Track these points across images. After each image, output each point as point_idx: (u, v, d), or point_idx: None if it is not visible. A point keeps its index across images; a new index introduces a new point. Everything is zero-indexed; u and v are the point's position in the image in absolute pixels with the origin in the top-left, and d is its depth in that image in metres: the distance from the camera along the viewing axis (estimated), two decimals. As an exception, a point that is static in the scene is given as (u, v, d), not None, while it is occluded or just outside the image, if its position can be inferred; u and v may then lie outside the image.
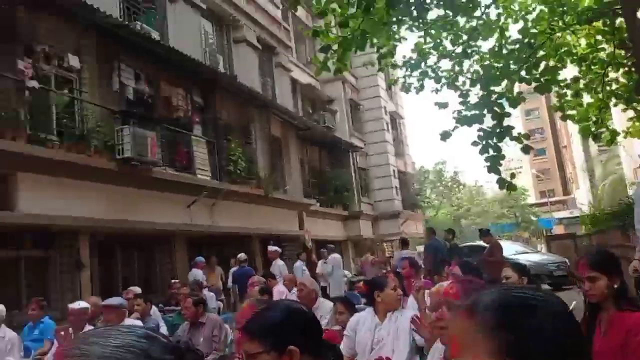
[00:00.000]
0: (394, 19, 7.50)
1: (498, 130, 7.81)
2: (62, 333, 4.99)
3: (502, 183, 7.63)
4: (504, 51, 8.30)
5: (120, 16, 11.17)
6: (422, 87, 9.27)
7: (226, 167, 13.01)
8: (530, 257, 14.50)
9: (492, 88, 7.96)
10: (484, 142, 7.81)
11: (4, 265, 8.16)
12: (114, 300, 5.29)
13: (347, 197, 21.47)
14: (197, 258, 10.97)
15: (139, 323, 5.37)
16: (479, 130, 7.88)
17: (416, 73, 9.10)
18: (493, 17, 8.52)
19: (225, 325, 5.36)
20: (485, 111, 7.90)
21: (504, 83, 8.24)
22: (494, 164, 7.76)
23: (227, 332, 5.31)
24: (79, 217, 8.75)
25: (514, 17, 8.67)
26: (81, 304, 5.25)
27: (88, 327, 5.35)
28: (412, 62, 8.95)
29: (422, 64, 9.02)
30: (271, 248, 11.66)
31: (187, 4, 13.53)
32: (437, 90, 9.39)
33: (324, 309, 5.26)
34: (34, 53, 8.71)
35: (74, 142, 8.94)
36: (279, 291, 7.42)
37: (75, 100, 9.45)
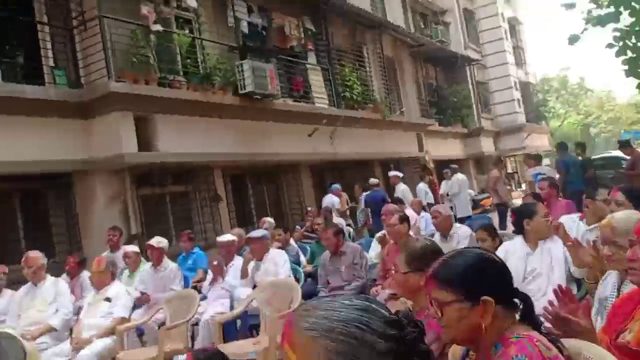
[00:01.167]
0: None
1: (637, 29, 6.99)
2: (216, 263, 5.37)
3: (643, 87, 6.92)
4: None
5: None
6: (545, -14, 8.43)
7: (342, 94, 12.95)
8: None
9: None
10: (620, 44, 7.07)
11: (153, 202, 8.86)
12: (258, 232, 5.56)
13: (466, 113, 20.67)
14: (333, 186, 11.26)
15: (282, 252, 5.64)
16: (615, 30, 7.11)
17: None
18: None
19: (364, 253, 5.47)
20: (621, 8, 7.07)
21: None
22: (633, 66, 7.04)
23: (367, 259, 5.43)
24: (211, 153, 9.20)
25: None
26: (228, 237, 5.60)
27: (236, 257, 5.72)
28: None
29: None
30: (392, 173, 11.63)
31: None
32: (561, -10, 8.55)
33: (461, 234, 5.18)
34: (154, -3, 8.99)
35: (199, 81, 9.27)
36: (410, 216, 7.40)
37: (196, 39, 9.70)
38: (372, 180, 11.13)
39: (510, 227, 7.40)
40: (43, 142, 7.37)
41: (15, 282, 6.03)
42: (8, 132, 7.02)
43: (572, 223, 4.35)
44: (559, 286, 1.93)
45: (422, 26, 21.08)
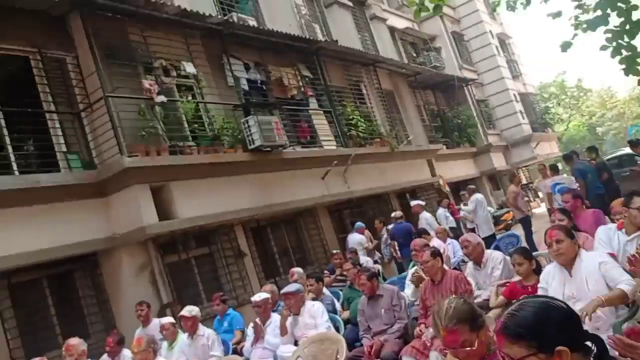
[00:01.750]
0: None
1: (627, 27, 7.05)
2: (254, 324, 5.34)
3: (644, 83, 6.95)
4: None
5: (217, 13, 11.47)
6: (528, 2, 8.62)
7: (348, 132, 13.07)
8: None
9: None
10: (614, 44, 7.11)
11: (180, 268, 8.88)
12: (292, 287, 5.55)
13: (472, 133, 20.77)
14: (357, 224, 11.25)
15: (319, 304, 5.60)
16: (606, 32, 7.16)
17: (520, -13, 8.50)
18: None
19: (401, 293, 5.42)
20: (608, 10, 7.15)
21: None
22: (631, 64, 7.05)
23: (405, 299, 5.37)
24: (229, 211, 9.25)
25: None
26: (262, 295, 5.57)
27: (273, 314, 5.68)
28: (513, -24, 8.35)
29: (525, -25, 8.39)
30: (414, 202, 11.63)
31: (273, -18, 13.56)
32: (545, 0, 8.71)
33: (494, 260, 5.14)
34: (153, 70, 9.22)
35: (208, 143, 9.41)
36: (437, 245, 7.35)
37: (199, 104, 9.89)
38: (396, 214, 11.18)
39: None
40: (65, 226, 7.47)
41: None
42: (30, 222, 7.12)
43: (612, 234, 4.25)
44: (609, 337, 1.89)
45: (415, 55, 21.39)
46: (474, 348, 2.17)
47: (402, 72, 17.56)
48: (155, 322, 6.70)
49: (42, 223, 7.24)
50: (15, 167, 7.61)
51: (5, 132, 7.65)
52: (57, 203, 7.51)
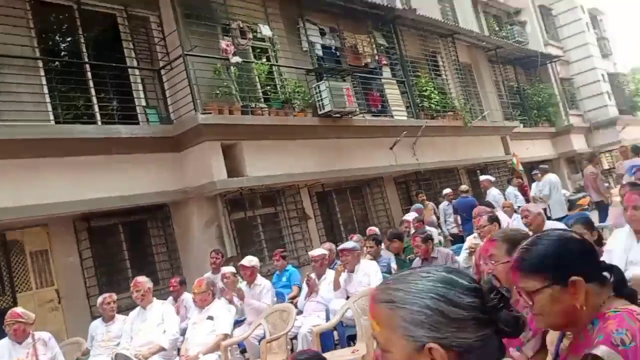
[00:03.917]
0: None
1: None
2: (310, 278, 5.51)
3: None
4: None
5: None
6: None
7: (420, 104, 12.91)
8: None
9: None
10: None
11: (245, 225, 9.21)
12: (349, 244, 5.67)
13: (552, 112, 19.90)
14: (415, 205, 11.02)
15: (374, 263, 5.70)
16: None
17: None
18: None
19: (456, 257, 5.43)
20: None
21: None
22: None
23: (459, 263, 5.37)
24: (296, 174, 9.46)
25: None
26: (320, 251, 5.73)
27: (328, 271, 5.84)
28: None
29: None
30: (483, 177, 11.41)
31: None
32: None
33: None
34: (231, 31, 9.45)
35: (279, 106, 9.61)
36: (501, 219, 7.23)
37: (273, 66, 10.08)
38: (462, 187, 11.09)
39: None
40: (141, 176, 7.91)
41: (124, 309, 6.51)
42: (109, 170, 7.59)
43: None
44: None
45: (497, 28, 20.62)
46: None
47: (481, 45, 17.03)
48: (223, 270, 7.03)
49: (120, 172, 7.70)
50: (99, 117, 8.10)
51: (91, 84, 8.13)
52: (135, 154, 7.95)
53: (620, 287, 1.51)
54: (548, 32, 22.63)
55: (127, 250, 8.32)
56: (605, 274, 1.52)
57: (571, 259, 1.49)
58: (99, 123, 8.03)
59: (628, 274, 3.30)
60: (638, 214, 3.42)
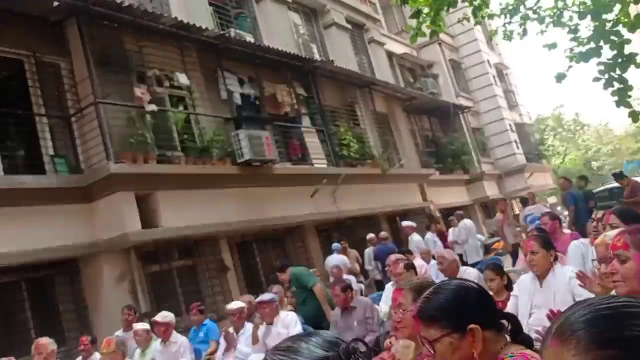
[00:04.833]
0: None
1: (620, 60, 7.20)
2: (227, 332, 5.29)
3: (635, 116, 7.08)
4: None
5: (215, 27, 11.57)
6: (525, 32, 8.81)
7: (340, 152, 13.11)
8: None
9: (604, 16, 7.37)
10: (606, 76, 7.25)
11: (161, 278, 8.81)
12: (267, 296, 5.50)
13: (465, 160, 20.81)
14: (333, 245, 11.13)
15: (293, 314, 5.55)
16: (599, 64, 7.32)
17: (516, 18, 8.70)
18: None
19: (375, 306, 5.39)
20: (601, 42, 7.32)
21: (617, 8, 7.56)
22: (622, 97, 7.20)
23: (378, 312, 5.33)
24: (215, 224, 9.22)
25: None
26: (237, 304, 5.53)
27: (247, 324, 5.63)
28: (510, 7, 8.55)
29: (521, 8, 8.58)
30: (405, 223, 11.62)
31: (273, 1, 13.73)
32: (542, 32, 8.91)
33: (469, 277, 5.11)
34: (146, 79, 9.27)
35: (197, 155, 9.43)
36: (418, 265, 7.32)
37: (191, 115, 9.93)
38: (382, 234, 11.19)
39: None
40: (48, 229, 7.42)
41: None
42: (13, 223, 7.07)
43: (584, 248, 4.28)
44: (551, 310, 1.94)
45: (412, 80, 21.58)
46: None
47: (397, 96, 17.69)
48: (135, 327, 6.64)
49: (25, 225, 7.19)
50: (1, 167, 7.60)
51: (-7, 132, 7.66)
52: (41, 206, 7.47)
53: (516, 333, 1.59)
54: (459, 84, 23.95)
55: (30, 309, 7.68)
56: (503, 321, 1.59)
57: (468, 308, 1.54)
58: (2, 173, 7.53)
59: (532, 319, 3.40)
60: (536, 259, 3.58)
